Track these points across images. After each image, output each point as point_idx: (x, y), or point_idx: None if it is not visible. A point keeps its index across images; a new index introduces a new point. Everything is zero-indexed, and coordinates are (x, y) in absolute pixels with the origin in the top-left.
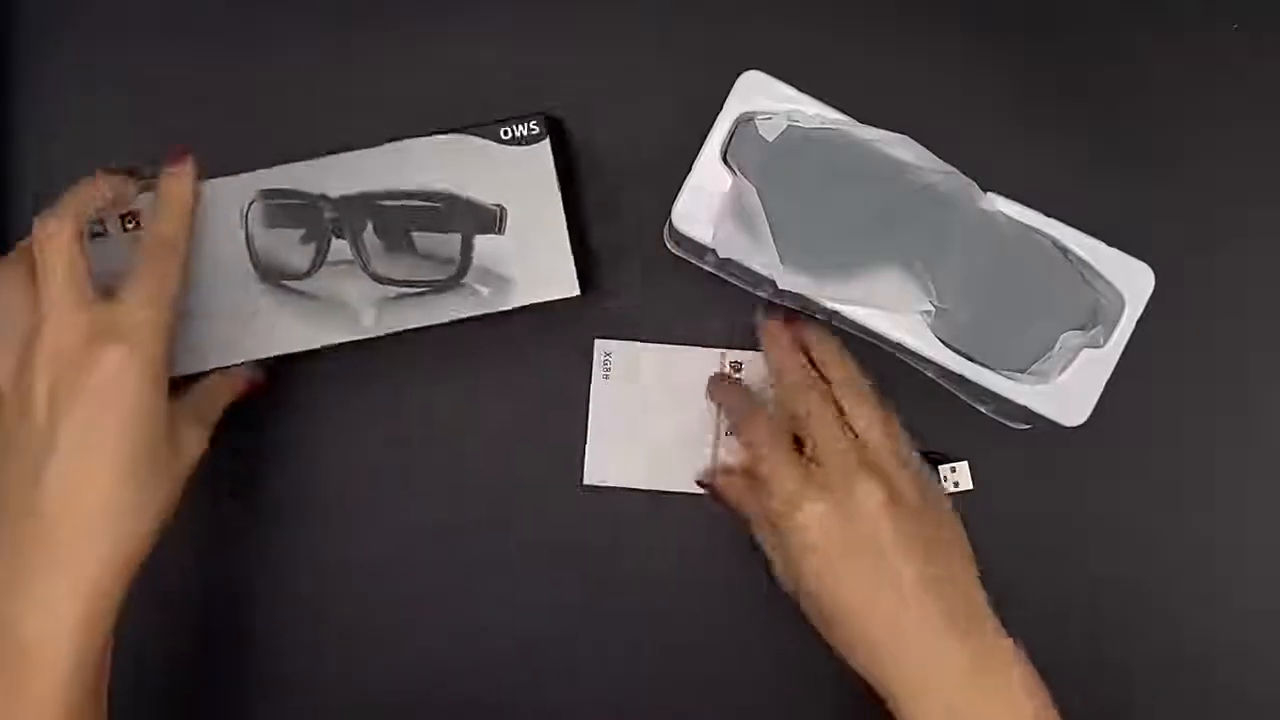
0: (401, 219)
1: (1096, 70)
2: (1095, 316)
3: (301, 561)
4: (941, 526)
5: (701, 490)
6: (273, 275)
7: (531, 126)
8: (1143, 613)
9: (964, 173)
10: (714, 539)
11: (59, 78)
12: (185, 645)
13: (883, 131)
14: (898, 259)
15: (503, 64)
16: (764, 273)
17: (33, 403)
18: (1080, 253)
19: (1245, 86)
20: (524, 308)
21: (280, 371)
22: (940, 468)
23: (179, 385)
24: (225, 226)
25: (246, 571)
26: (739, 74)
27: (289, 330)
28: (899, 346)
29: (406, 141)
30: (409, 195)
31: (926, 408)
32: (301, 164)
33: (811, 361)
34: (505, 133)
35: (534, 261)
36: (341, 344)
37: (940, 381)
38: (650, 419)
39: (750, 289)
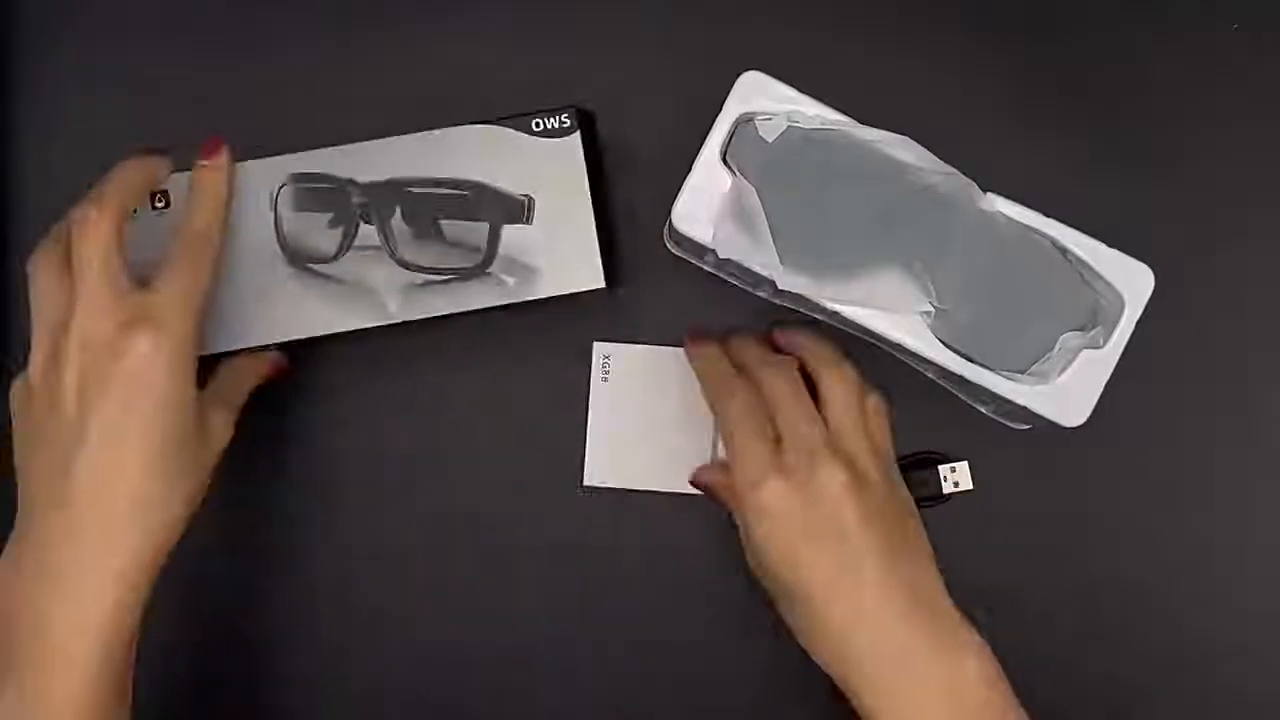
0: (430, 206)
1: (1096, 70)
2: (1095, 317)
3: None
4: (905, 518)
5: (697, 491)
6: (300, 258)
7: (563, 119)
8: (1143, 613)
9: (964, 173)
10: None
11: (59, 78)
12: (190, 627)
13: (883, 132)
14: (898, 260)
15: (503, 64)
16: (764, 273)
17: (62, 394)
18: (1080, 253)
19: (1245, 86)
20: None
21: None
22: (940, 468)
23: (203, 368)
24: (254, 209)
25: (257, 556)
26: (739, 74)
27: (314, 313)
28: (899, 347)
29: (437, 130)
30: (438, 183)
31: (926, 408)
32: (332, 149)
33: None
34: (536, 125)
35: (560, 253)
36: (363, 329)
37: (940, 382)
38: (649, 421)
39: (750, 289)
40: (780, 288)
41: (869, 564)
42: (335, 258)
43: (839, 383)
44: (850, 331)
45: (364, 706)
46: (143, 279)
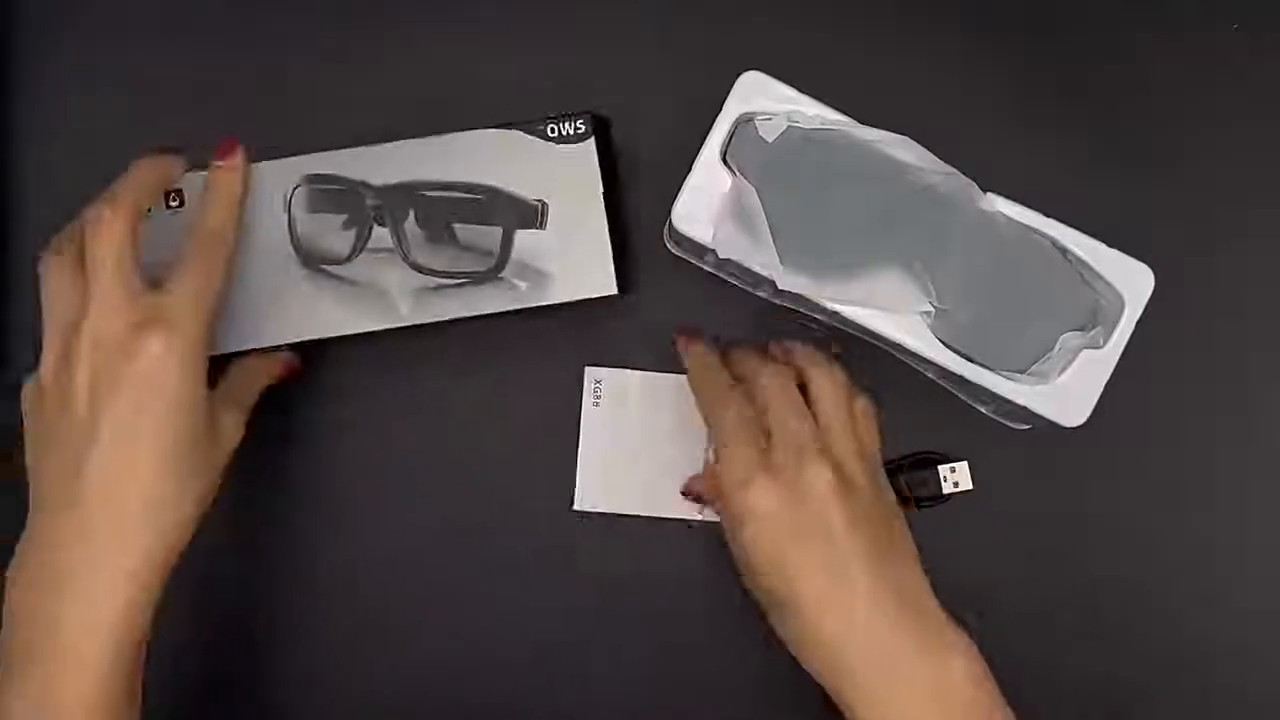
0: (443, 210)
1: (1096, 70)
2: (1095, 317)
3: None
4: (891, 520)
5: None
6: (313, 260)
7: (578, 125)
8: (1143, 613)
9: (964, 173)
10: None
11: (59, 78)
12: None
13: (883, 132)
14: (898, 260)
15: (503, 64)
16: (764, 273)
17: (74, 394)
18: (1080, 253)
19: (1245, 86)
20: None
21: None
22: (940, 468)
23: (213, 368)
24: (268, 210)
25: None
26: (739, 74)
27: (326, 315)
28: (899, 347)
29: (451, 134)
30: (451, 187)
31: (926, 408)
32: (346, 151)
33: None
34: (551, 130)
35: (574, 258)
36: (374, 331)
37: (940, 382)
38: (640, 445)
39: (750, 289)
40: (780, 288)
41: (856, 568)
42: (348, 260)
43: (828, 384)
44: (850, 331)
45: (371, 708)
46: (155, 279)
